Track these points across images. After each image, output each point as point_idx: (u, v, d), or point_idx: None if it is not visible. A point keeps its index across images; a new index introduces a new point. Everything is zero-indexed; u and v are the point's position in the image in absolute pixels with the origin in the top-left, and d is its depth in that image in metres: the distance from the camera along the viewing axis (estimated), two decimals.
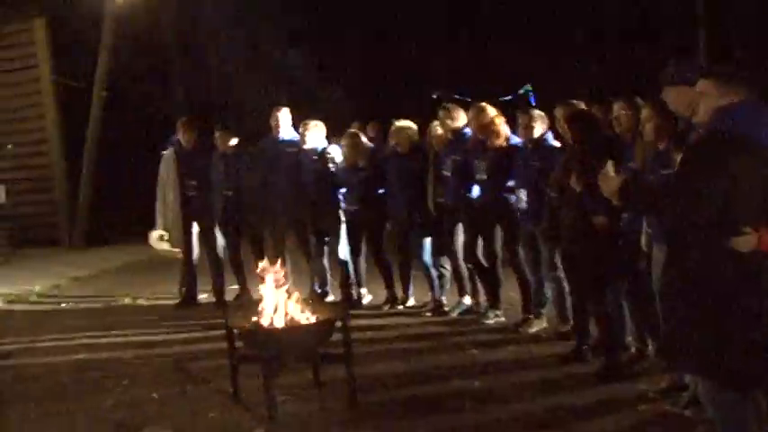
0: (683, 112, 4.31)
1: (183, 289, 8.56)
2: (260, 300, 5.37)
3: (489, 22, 24.87)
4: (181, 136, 8.38)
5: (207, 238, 8.47)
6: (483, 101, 7.33)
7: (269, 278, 5.20)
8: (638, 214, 5.06)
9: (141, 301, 9.04)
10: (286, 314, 5.11)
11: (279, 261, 5.39)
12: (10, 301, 9.45)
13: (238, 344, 5.38)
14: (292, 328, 5.06)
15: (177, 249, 8.38)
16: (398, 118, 7.80)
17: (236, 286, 8.58)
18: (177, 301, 8.60)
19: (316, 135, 8.03)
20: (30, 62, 14.17)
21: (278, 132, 8.27)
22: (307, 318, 5.17)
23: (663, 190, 3.73)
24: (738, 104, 3.40)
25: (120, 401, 5.53)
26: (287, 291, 5.24)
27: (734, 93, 3.44)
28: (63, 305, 9.18)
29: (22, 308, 9.21)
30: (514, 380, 5.57)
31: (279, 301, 5.14)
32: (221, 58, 19.31)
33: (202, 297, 8.62)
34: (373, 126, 9.10)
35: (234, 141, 8.30)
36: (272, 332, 5.00)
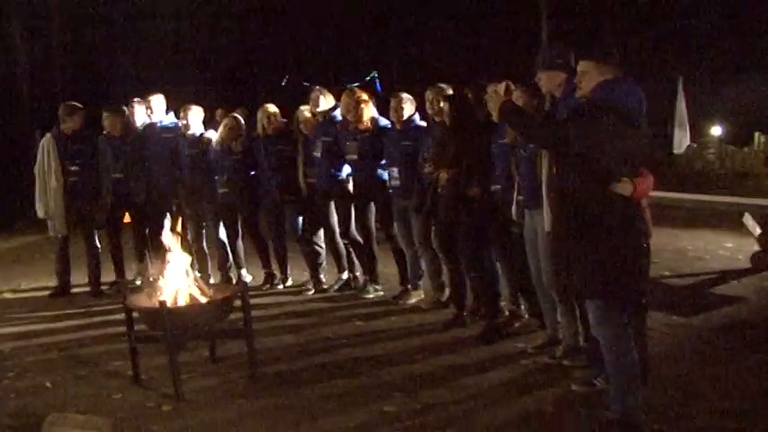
0: (554, 92, 4.89)
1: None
2: (155, 282, 5.48)
3: (340, 9, 25.30)
4: (65, 121, 8.15)
5: (85, 224, 8.36)
6: (329, 86, 7.78)
7: (169, 258, 5.30)
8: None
9: (7, 295, 8.71)
10: (187, 293, 5.23)
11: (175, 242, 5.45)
12: None
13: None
14: (196, 305, 5.19)
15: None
16: (254, 103, 8.03)
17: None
18: (50, 291, 8.43)
19: (195, 120, 8.11)
20: None
21: (151, 117, 8.33)
22: (206, 295, 5.32)
23: (540, 120, 4.50)
24: (613, 80, 4.11)
25: (11, 392, 5.42)
26: (185, 270, 5.34)
27: (609, 71, 4.13)
28: None
29: None
30: (401, 346, 5.95)
31: (177, 280, 5.26)
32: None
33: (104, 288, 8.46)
34: (241, 111, 9.21)
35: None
36: (175, 310, 5.11)
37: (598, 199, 4.00)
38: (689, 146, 18.14)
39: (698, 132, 18.68)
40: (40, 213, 8.16)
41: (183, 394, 5.04)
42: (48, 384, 5.54)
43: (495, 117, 4.59)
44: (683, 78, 18.04)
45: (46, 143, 8.11)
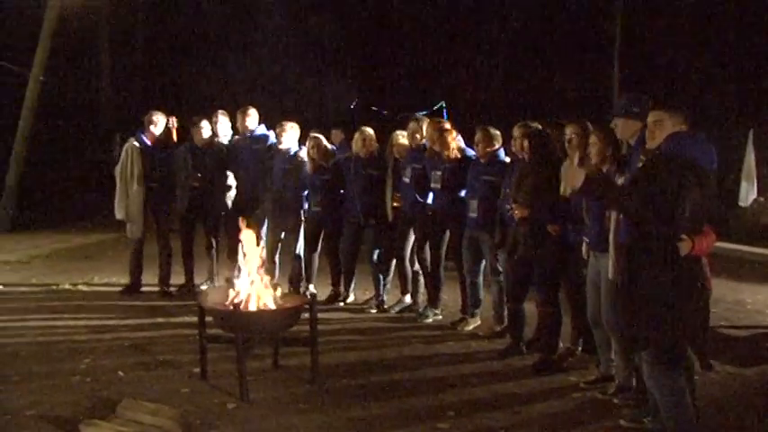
0: (629, 139, 5.05)
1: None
2: (228, 285, 5.77)
3: (411, 38, 25.74)
4: (149, 128, 8.56)
5: (161, 228, 8.76)
6: (399, 114, 7.96)
7: (243, 264, 5.59)
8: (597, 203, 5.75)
9: (82, 287, 9.15)
10: (258, 298, 5.51)
11: (258, 249, 5.73)
12: None
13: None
14: (266, 311, 5.47)
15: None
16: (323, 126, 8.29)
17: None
18: (121, 288, 8.84)
19: (290, 137, 8.44)
20: None
21: (246, 131, 8.70)
22: (277, 303, 5.59)
23: (623, 189, 4.49)
24: (685, 133, 4.24)
25: (87, 377, 5.79)
26: (258, 277, 5.62)
27: (680, 123, 4.27)
28: (1, 287, 9.18)
29: None
30: (459, 370, 6.14)
31: (251, 285, 5.54)
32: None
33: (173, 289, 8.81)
34: (336, 134, 9.51)
35: (207, 135, 8.63)
36: (247, 314, 5.39)
37: (660, 254, 4.09)
38: (755, 199, 17.93)
39: (765, 186, 18.45)
40: (119, 215, 8.56)
41: (248, 396, 5.30)
42: (120, 373, 5.90)
43: (564, 190, 4.71)
44: (754, 130, 17.87)
45: (130, 149, 8.50)
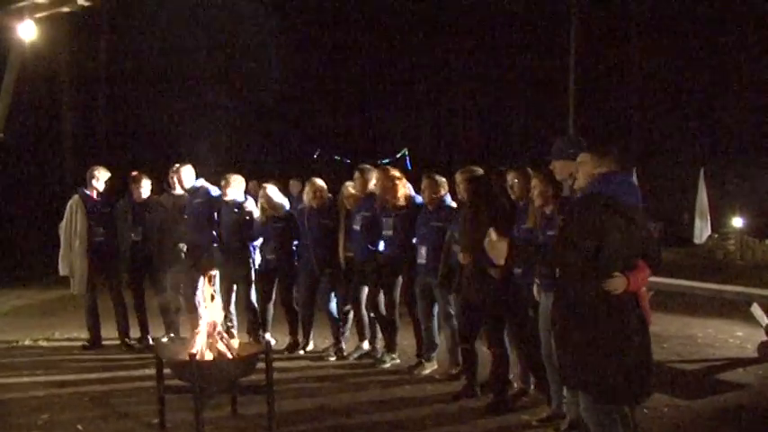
0: (567, 179, 5.28)
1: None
2: (186, 337, 5.87)
3: (373, 87, 26.18)
4: (91, 182, 8.67)
5: (111, 283, 8.83)
6: (362, 162, 8.21)
7: (200, 315, 5.70)
8: (525, 267, 5.92)
9: (42, 343, 9.14)
10: (213, 348, 5.61)
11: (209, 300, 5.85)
12: None
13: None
14: (223, 360, 5.57)
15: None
16: (283, 175, 8.45)
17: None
18: (82, 343, 8.85)
19: (236, 188, 8.62)
20: None
21: (176, 188, 8.91)
22: (233, 352, 5.69)
23: (546, 244, 4.67)
24: (609, 173, 4.39)
25: None
26: (213, 326, 5.72)
27: (606, 164, 4.43)
28: None
29: None
30: (415, 413, 6.26)
31: (206, 336, 5.64)
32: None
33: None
34: (294, 184, 9.62)
35: (146, 191, 8.76)
36: (204, 363, 5.48)
37: (592, 291, 4.19)
38: (709, 236, 18.39)
39: (719, 223, 18.94)
40: (63, 272, 8.64)
41: None
42: (79, 427, 5.92)
43: (498, 262, 4.71)
44: (705, 168, 18.40)
45: (74, 204, 8.60)
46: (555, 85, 21.19)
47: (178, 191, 8.94)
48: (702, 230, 18.15)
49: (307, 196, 8.30)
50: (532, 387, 6.51)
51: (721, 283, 9.96)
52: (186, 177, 8.89)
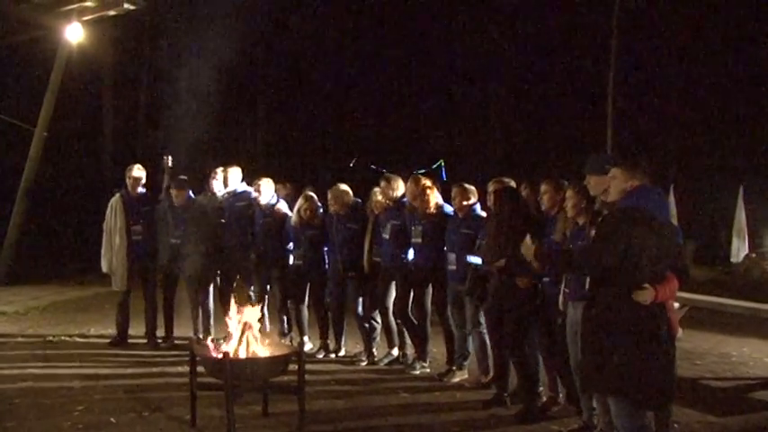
0: (599, 194, 5.30)
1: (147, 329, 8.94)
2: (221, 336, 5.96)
3: (409, 97, 26.26)
4: (132, 183, 8.84)
5: (147, 281, 8.97)
6: (398, 172, 8.26)
7: (234, 314, 5.79)
8: (555, 272, 5.94)
9: (77, 338, 9.31)
10: (248, 347, 5.69)
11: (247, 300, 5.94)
12: None
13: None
14: (256, 358, 5.65)
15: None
16: (316, 181, 8.54)
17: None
18: (110, 340, 9.03)
19: (268, 192, 8.73)
20: None
21: (223, 187, 9.00)
22: (265, 351, 5.77)
23: (577, 252, 4.79)
24: (640, 187, 4.49)
25: (80, 424, 5.93)
26: (247, 326, 5.81)
27: (637, 178, 4.52)
28: None
29: None
30: (443, 418, 6.28)
31: (241, 334, 5.73)
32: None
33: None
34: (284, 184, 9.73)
35: (186, 198, 8.90)
36: (237, 361, 5.56)
37: (622, 301, 4.29)
38: (747, 255, 18.14)
39: (756, 242, 18.68)
40: (104, 268, 8.81)
41: None
42: (112, 420, 6.05)
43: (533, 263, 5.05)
44: (744, 186, 18.16)
45: (114, 202, 8.77)
46: (593, 100, 21.09)
47: (219, 191, 9.01)
48: (739, 249, 17.90)
49: (331, 204, 8.35)
50: (561, 396, 6.50)
51: (758, 303, 9.84)
52: (233, 178, 9.00)
